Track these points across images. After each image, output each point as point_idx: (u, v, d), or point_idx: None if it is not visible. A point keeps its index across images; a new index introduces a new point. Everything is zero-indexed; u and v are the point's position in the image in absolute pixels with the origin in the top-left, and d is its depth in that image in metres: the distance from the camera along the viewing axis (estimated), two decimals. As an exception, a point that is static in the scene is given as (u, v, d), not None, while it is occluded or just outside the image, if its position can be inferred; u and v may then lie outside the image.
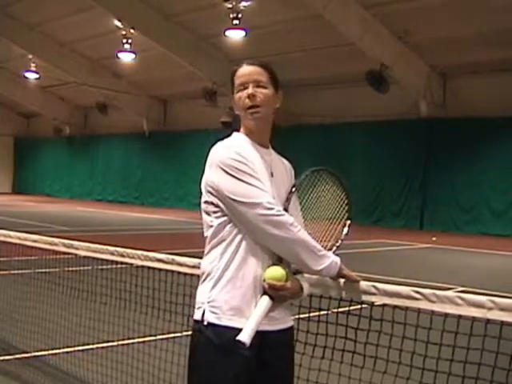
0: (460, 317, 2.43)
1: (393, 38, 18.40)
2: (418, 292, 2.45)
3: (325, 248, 2.52)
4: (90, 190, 32.82)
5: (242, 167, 2.33)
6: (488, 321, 2.34)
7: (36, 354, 5.08)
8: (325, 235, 2.57)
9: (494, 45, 16.91)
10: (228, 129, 25.26)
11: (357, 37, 18.00)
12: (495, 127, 18.42)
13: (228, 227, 2.36)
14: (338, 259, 2.42)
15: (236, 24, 18.57)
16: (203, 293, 2.39)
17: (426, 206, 20.30)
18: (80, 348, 5.09)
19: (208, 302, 2.35)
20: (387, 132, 20.70)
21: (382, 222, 20.90)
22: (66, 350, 5.11)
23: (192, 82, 23.84)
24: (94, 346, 5.04)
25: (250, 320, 2.26)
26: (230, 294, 2.32)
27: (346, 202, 2.63)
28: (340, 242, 2.58)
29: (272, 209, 2.29)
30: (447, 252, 14.62)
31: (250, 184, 2.32)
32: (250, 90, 2.41)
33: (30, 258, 5.45)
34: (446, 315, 2.46)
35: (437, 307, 2.41)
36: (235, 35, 19.69)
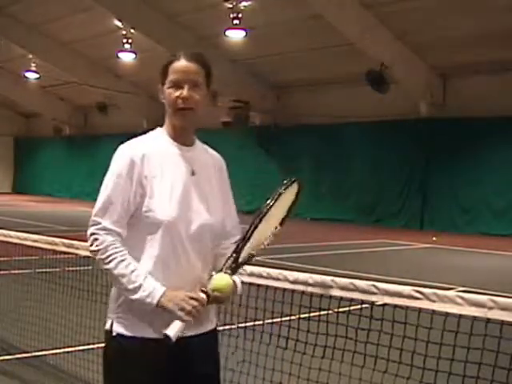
0: (460, 316, 2.43)
1: (393, 38, 18.39)
2: (418, 291, 2.45)
3: (257, 248, 2.30)
4: (90, 190, 32.73)
5: (121, 175, 2.33)
6: (488, 320, 2.34)
7: (36, 353, 5.07)
8: (262, 236, 2.32)
9: (494, 45, 16.90)
10: (228, 129, 25.28)
11: (357, 37, 17.98)
12: (495, 127, 18.38)
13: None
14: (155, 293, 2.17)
15: (236, 24, 18.56)
16: (111, 302, 2.35)
17: (425, 206, 20.27)
18: (80, 348, 5.08)
19: (116, 313, 2.30)
20: (387, 132, 20.67)
21: (382, 222, 20.85)
22: (66, 349, 5.11)
23: (192, 82, 23.80)
24: (95, 345, 5.03)
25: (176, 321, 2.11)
26: (138, 304, 2.20)
27: (289, 205, 2.38)
28: (267, 242, 2.33)
29: (94, 233, 2.23)
30: (447, 252, 14.60)
31: (109, 196, 2.29)
32: (185, 93, 2.28)
33: (30, 257, 5.45)
34: (447, 315, 2.46)
35: (437, 307, 2.41)
36: (235, 35, 19.67)
